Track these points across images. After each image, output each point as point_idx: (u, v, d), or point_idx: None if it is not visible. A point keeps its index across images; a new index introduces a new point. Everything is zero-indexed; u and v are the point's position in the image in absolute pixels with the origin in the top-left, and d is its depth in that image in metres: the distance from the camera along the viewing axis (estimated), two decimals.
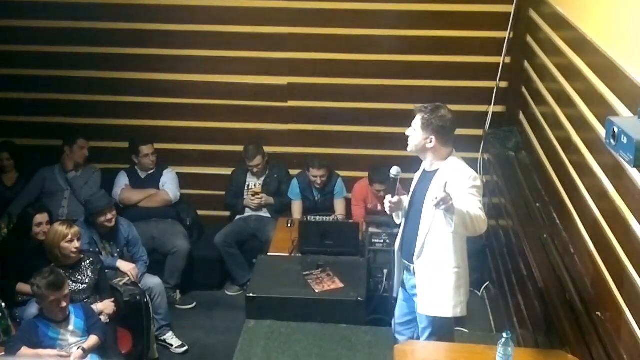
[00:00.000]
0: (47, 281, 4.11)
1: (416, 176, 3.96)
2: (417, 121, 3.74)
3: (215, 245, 5.97)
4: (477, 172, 5.73)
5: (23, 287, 4.70)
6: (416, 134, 3.75)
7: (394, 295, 4.23)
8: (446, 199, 3.37)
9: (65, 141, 6.04)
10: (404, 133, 3.82)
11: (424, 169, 3.87)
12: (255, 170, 6.13)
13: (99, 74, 6.29)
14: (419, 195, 3.82)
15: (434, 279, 3.78)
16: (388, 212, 3.92)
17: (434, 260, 3.76)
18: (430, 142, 3.71)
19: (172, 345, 5.31)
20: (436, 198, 3.38)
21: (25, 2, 6.13)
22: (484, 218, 3.54)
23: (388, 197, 3.83)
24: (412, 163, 3.97)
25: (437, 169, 3.76)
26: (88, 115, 6.41)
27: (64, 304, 4.19)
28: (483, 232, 3.61)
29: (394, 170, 3.81)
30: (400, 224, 4.01)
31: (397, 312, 4.16)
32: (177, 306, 5.81)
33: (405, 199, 3.96)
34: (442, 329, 3.86)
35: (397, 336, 4.16)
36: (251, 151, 6.06)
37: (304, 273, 5.05)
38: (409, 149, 3.83)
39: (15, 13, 6.18)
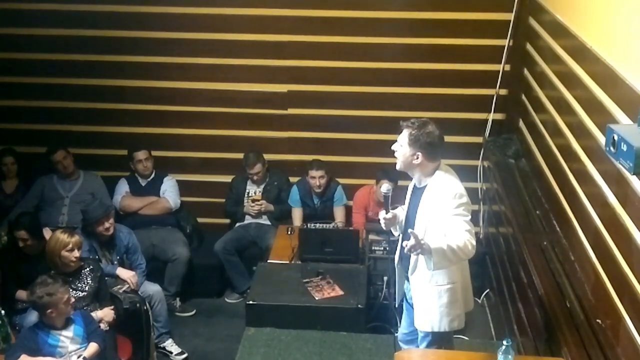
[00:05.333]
0: (58, 283, 4.12)
1: (409, 188, 3.95)
2: (404, 137, 3.67)
3: (215, 252, 5.96)
4: (478, 181, 5.87)
5: (22, 294, 4.70)
6: (402, 150, 3.69)
7: (395, 305, 4.23)
8: (416, 246, 3.39)
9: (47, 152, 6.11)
10: (391, 147, 3.78)
11: (415, 185, 3.86)
12: (255, 177, 6.13)
13: (99, 82, 6.30)
14: (412, 211, 3.82)
15: (428, 295, 3.78)
16: (384, 228, 3.91)
17: (427, 276, 3.74)
18: (417, 158, 3.65)
19: (171, 353, 5.30)
20: (406, 245, 3.42)
21: (26, 10, 6.14)
22: (470, 243, 3.49)
23: (382, 214, 3.84)
24: None
25: (426, 185, 3.74)
26: (89, 123, 6.42)
27: (73, 300, 4.23)
28: (471, 256, 3.58)
29: (384, 188, 3.81)
30: (398, 236, 4.01)
31: (402, 322, 4.18)
32: (177, 313, 5.81)
33: (401, 212, 3.96)
34: (441, 339, 3.87)
35: (402, 345, 4.16)
36: (251, 159, 6.06)
37: (304, 280, 5.06)
38: (397, 166, 3.78)
39: (17, 21, 6.19)
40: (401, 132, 3.70)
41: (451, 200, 3.58)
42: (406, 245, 3.43)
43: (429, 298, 3.78)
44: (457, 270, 3.77)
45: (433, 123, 3.71)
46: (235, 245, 6.04)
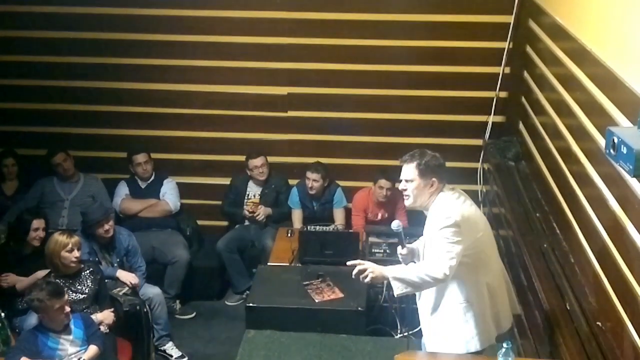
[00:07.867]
0: (48, 291, 4.10)
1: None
2: (412, 171, 3.60)
3: (217, 251, 5.97)
4: (478, 183, 5.87)
5: (21, 284, 4.74)
6: (415, 184, 3.60)
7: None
8: (359, 274, 3.55)
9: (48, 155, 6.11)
10: (398, 187, 3.74)
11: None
12: (257, 172, 6.10)
13: (100, 84, 6.30)
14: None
15: (439, 315, 3.70)
16: (403, 263, 3.78)
17: (434, 297, 3.68)
18: (432, 185, 3.59)
19: (171, 356, 5.29)
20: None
21: (26, 12, 6.15)
22: (441, 270, 3.40)
23: (399, 249, 3.79)
24: None
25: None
26: (89, 125, 6.43)
27: (68, 309, 4.20)
28: (447, 277, 3.44)
29: (394, 225, 3.73)
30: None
31: None
32: (177, 316, 5.81)
33: (420, 245, 3.85)
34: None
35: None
36: (255, 151, 6.08)
37: (304, 283, 5.05)
38: (408, 203, 3.67)
39: (17, 23, 6.20)
40: (402, 169, 3.65)
41: (438, 222, 3.52)
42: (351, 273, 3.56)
43: (440, 319, 3.70)
44: (472, 287, 3.61)
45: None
46: (237, 244, 6.04)
